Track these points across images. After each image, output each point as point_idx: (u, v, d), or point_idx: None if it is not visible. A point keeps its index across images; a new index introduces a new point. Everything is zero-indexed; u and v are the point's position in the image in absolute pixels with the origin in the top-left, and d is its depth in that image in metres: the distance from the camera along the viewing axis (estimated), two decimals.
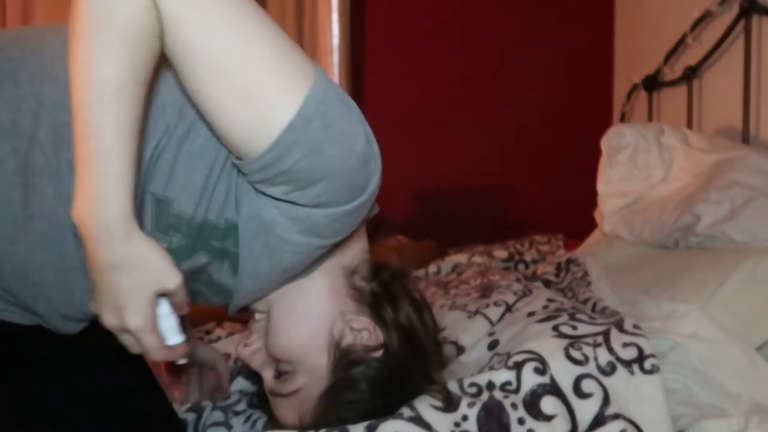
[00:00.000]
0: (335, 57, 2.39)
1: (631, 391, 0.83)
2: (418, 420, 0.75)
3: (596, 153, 1.79)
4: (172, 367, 1.03)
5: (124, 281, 0.62)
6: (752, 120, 1.69)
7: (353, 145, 0.67)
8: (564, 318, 0.96)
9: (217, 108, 0.63)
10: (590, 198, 1.83)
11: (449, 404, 0.78)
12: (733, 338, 0.98)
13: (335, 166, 0.66)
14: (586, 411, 0.80)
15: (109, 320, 0.64)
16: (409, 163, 2.45)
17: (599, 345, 0.88)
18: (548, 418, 0.79)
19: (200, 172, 0.71)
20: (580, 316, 0.97)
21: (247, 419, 0.96)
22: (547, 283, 1.38)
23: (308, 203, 0.69)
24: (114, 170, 0.59)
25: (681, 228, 1.38)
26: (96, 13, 0.58)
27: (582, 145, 2.20)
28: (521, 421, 0.78)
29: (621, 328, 0.92)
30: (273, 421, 0.88)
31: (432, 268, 1.82)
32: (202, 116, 0.67)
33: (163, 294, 0.65)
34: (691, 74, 1.94)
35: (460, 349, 1.05)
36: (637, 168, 1.67)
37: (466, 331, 1.09)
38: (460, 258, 1.87)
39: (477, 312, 1.14)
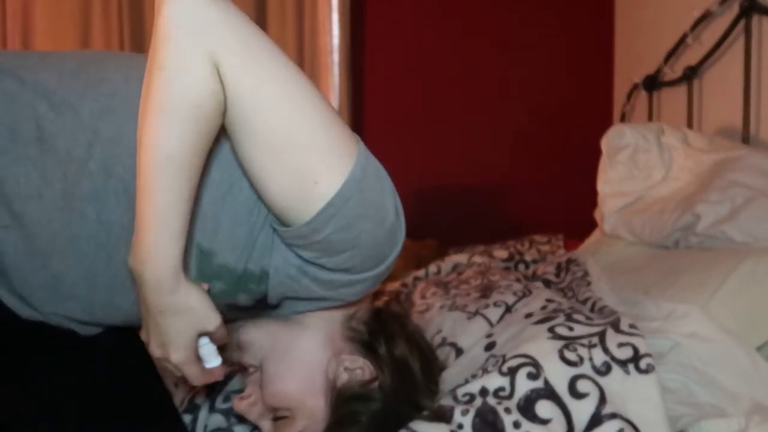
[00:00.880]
0: (335, 57, 2.39)
1: (628, 391, 0.83)
2: None
3: (596, 153, 1.78)
4: None
5: (170, 324, 0.70)
6: (752, 120, 1.69)
7: (383, 220, 0.73)
8: (560, 319, 0.96)
9: (265, 178, 0.68)
10: (590, 198, 1.82)
11: (443, 420, 0.80)
12: (733, 338, 0.98)
13: (364, 239, 0.72)
14: (582, 411, 0.80)
15: (154, 351, 0.73)
16: (409, 163, 2.44)
17: (594, 346, 0.88)
18: (544, 422, 0.79)
19: (243, 226, 0.75)
20: (576, 316, 0.97)
21: (254, 427, 0.94)
22: (548, 283, 1.38)
23: (334, 268, 0.75)
24: (169, 230, 0.65)
25: (681, 228, 1.38)
26: (169, 92, 0.62)
27: (582, 145, 2.20)
28: (516, 425, 0.79)
29: (617, 328, 0.91)
30: None
31: (432, 267, 1.82)
32: (246, 175, 0.71)
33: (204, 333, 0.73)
34: (691, 74, 1.94)
35: (459, 351, 1.05)
36: (637, 168, 1.67)
37: (465, 332, 1.09)
38: (461, 258, 1.86)
39: (476, 313, 1.14)
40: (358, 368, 0.85)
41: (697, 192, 1.41)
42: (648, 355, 0.86)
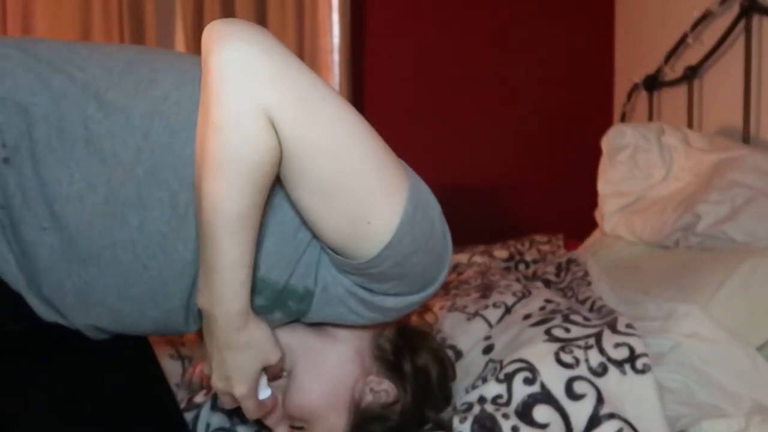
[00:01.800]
0: (335, 57, 2.39)
1: (625, 391, 0.83)
2: None
3: (596, 153, 1.79)
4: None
5: (236, 358, 0.72)
6: (752, 120, 1.69)
7: (432, 249, 0.73)
8: (558, 321, 0.96)
9: (318, 219, 0.69)
10: (590, 198, 1.82)
11: (443, 430, 0.81)
12: (733, 338, 0.98)
13: (415, 269, 0.73)
14: (580, 413, 0.80)
15: (217, 384, 0.74)
16: (409, 163, 2.43)
17: (590, 347, 0.88)
18: (542, 427, 0.79)
19: (289, 243, 0.74)
20: (574, 317, 0.97)
21: (258, 428, 0.93)
22: (548, 283, 1.38)
23: (382, 292, 0.76)
24: (239, 279, 0.67)
25: (681, 228, 1.38)
26: (227, 154, 0.62)
27: (582, 145, 2.20)
28: (515, 430, 0.79)
29: (614, 329, 0.91)
30: None
31: None
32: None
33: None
34: (691, 74, 1.94)
35: (458, 354, 1.05)
36: (638, 168, 1.67)
37: (464, 333, 1.09)
38: (461, 258, 1.86)
39: (476, 314, 1.14)
40: (383, 390, 0.85)
41: (697, 192, 1.41)
42: (644, 354, 0.86)
